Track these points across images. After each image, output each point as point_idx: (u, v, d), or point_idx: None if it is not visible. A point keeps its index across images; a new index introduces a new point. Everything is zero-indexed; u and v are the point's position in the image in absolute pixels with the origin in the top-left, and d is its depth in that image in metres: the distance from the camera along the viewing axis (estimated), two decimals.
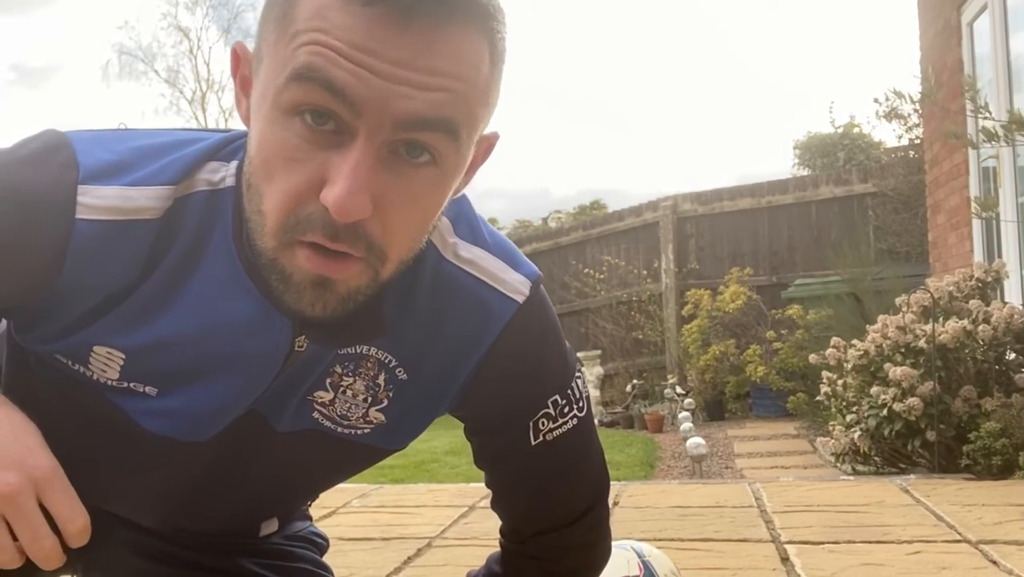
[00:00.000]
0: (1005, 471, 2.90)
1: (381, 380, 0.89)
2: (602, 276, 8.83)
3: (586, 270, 8.96)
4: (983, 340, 3.35)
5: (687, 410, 6.54)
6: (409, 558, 2.08)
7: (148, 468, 0.90)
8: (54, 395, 0.86)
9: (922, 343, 3.46)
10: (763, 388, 6.80)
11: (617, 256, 8.84)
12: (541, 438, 0.95)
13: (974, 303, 3.50)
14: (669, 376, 7.62)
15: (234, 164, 0.81)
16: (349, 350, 0.86)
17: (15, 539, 0.71)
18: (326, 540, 1.21)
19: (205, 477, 0.92)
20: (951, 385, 3.41)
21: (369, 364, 0.88)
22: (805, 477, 3.74)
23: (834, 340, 4.07)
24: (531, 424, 0.95)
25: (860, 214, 7.56)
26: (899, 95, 3.82)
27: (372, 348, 0.87)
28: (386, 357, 0.88)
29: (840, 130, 9.65)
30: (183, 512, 0.99)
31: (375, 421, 0.91)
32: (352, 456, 0.96)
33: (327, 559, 1.20)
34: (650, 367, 8.23)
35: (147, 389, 0.84)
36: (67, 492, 0.73)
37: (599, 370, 8.01)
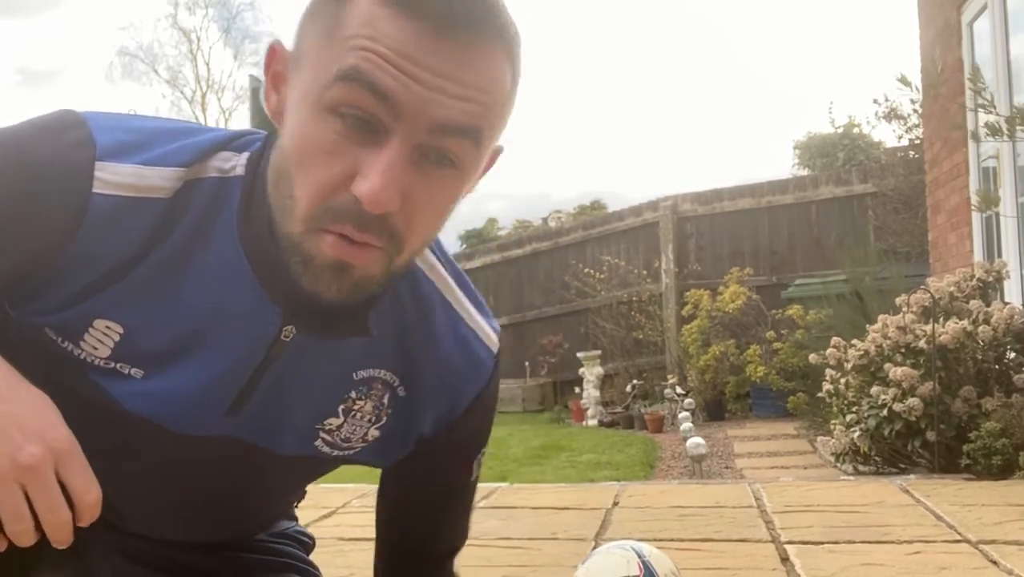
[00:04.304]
0: (1005, 471, 2.90)
1: (386, 399, 0.94)
2: (602, 276, 8.84)
3: (586, 270, 8.96)
4: (983, 340, 3.35)
5: (687, 410, 6.54)
6: None
7: (130, 455, 0.90)
8: (37, 378, 0.86)
9: (922, 343, 3.46)
10: (763, 388, 6.80)
11: (617, 256, 8.85)
12: (475, 473, 1.06)
13: (975, 303, 3.49)
14: (669, 376, 7.62)
15: (245, 155, 0.85)
16: (364, 374, 0.92)
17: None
18: (312, 539, 1.24)
19: (192, 481, 0.93)
20: (951, 385, 3.41)
21: (379, 386, 0.93)
22: (805, 477, 3.74)
23: (834, 340, 4.07)
24: (478, 458, 1.06)
25: (860, 214, 7.57)
26: (905, 82, 3.80)
27: (381, 370, 0.92)
28: (391, 377, 0.93)
29: (840, 130, 9.66)
30: (168, 513, 0.99)
31: (370, 439, 0.95)
32: (333, 467, 1.01)
33: (329, 557, 1.21)
34: (650, 367, 8.23)
35: (133, 371, 0.85)
36: (84, 466, 0.76)
37: (599, 370, 8.01)
